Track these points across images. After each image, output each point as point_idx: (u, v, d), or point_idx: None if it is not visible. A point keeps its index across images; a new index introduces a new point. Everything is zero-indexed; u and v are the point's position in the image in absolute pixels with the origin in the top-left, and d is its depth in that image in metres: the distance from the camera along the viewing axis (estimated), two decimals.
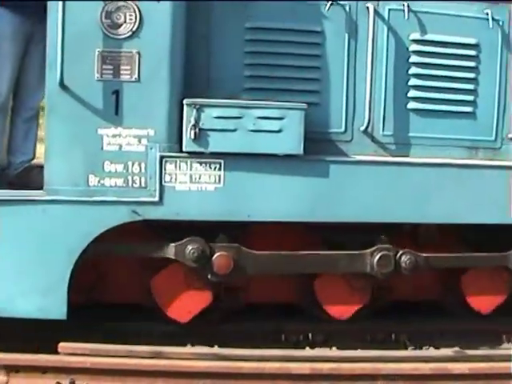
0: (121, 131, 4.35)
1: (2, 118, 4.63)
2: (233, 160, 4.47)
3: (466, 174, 4.85)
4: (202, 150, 4.40)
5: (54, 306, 4.36)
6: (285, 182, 4.55)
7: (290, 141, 4.48)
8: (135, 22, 4.31)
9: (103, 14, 4.27)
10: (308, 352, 4.91)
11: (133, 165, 4.39)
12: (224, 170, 4.48)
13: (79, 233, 4.34)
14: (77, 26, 4.23)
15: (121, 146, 4.36)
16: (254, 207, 4.54)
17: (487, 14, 4.98)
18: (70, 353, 4.48)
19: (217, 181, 4.49)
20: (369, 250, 4.81)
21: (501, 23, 5.06)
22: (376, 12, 4.87)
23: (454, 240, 5.21)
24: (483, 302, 5.20)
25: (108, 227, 4.37)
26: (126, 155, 4.37)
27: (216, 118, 4.39)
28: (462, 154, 5.05)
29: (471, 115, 5.09)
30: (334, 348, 5.00)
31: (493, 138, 5.13)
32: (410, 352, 5.03)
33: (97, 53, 4.28)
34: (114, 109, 4.33)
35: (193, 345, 4.83)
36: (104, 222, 4.37)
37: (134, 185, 4.40)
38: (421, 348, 5.14)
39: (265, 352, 4.68)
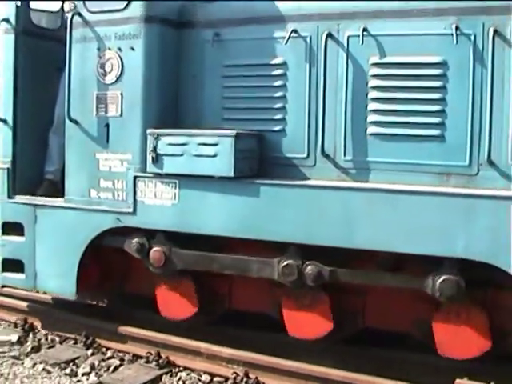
0: (110, 156, 5.36)
1: (57, 138, 5.95)
2: (185, 180, 5.05)
3: (401, 200, 4.44)
4: (159, 171, 5.11)
5: (67, 287, 5.60)
6: (221, 200, 4.91)
7: (223, 164, 4.83)
8: (121, 70, 5.29)
9: (98, 65, 5.37)
10: None
11: (118, 182, 5.34)
12: (179, 188, 5.11)
13: (84, 233, 5.49)
14: (81, 75, 5.43)
15: (110, 167, 5.37)
16: (199, 222, 5.03)
17: (455, 29, 4.47)
18: None
19: (173, 198, 5.12)
20: (276, 259, 4.86)
21: (472, 38, 4.46)
22: (335, 39, 4.85)
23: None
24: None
25: (102, 230, 5.41)
26: (113, 174, 5.35)
27: (169, 144, 5.05)
28: (431, 181, 4.57)
29: (440, 138, 4.56)
30: None
31: (466, 163, 4.51)
32: None
33: (95, 95, 5.40)
34: (106, 138, 5.37)
35: None
36: (99, 225, 5.43)
37: (118, 198, 5.34)
38: None
39: None
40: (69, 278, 5.56)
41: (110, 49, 5.29)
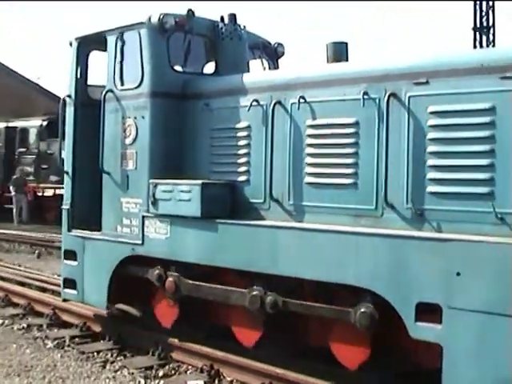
0: (129, 199, 6.69)
1: None
2: (173, 219, 6.22)
3: (309, 236, 5.23)
4: (156, 212, 6.34)
5: (101, 301, 6.98)
6: (193, 235, 6.00)
7: (193, 207, 5.94)
8: (136, 134, 6.65)
9: (122, 130, 6.77)
10: None
11: (133, 220, 6.65)
12: (170, 225, 6.29)
13: (111, 259, 6.85)
14: (111, 137, 6.87)
15: (129, 209, 6.70)
16: (181, 251, 6.15)
17: (363, 95, 5.22)
18: None
19: (166, 233, 6.31)
20: (246, 290, 5.72)
21: (377, 101, 5.17)
22: (282, 106, 5.78)
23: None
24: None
25: (123, 257, 6.75)
26: (131, 214, 6.67)
27: (162, 191, 6.27)
28: (348, 221, 5.30)
29: (353, 186, 5.29)
30: None
31: (373, 206, 5.18)
32: None
33: (120, 153, 6.80)
34: (126, 186, 6.72)
35: None
36: (122, 253, 6.77)
37: (133, 232, 6.64)
38: None
39: None
40: (102, 293, 6.94)
41: (129, 117, 6.67)
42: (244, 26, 7.15)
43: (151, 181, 6.39)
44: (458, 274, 4.37)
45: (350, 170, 5.31)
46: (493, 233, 4.51)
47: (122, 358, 6.58)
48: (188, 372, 6.11)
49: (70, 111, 7.43)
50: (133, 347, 6.78)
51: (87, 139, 7.35)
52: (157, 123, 6.51)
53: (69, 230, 7.39)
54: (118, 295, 6.97)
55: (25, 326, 7.81)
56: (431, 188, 4.87)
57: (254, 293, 5.68)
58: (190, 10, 6.76)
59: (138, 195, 6.59)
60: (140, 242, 6.55)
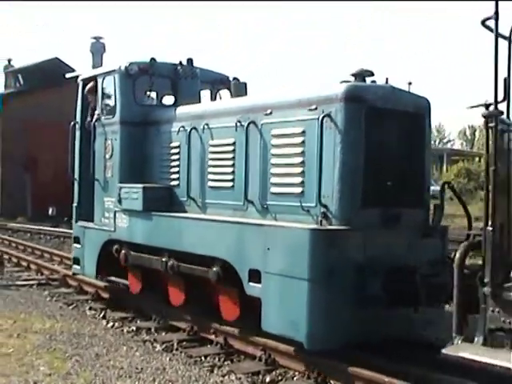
0: (108, 198, 8.80)
1: None
2: (130, 212, 8.27)
3: (197, 223, 7.08)
4: (121, 207, 8.41)
5: (91, 273, 9.16)
6: (139, 224, 8.02)
7: (139, 203, 7.95)
8: (112, 151, 8.76)
9: (104, 148, 8.90)
10: None
11: (110, 214, 8.75)
12: (129, 217, 8.34)
13: (98, 242, 9.01)
14: (99, 153, 9.02)
15: (108, 205, 8.81)
16: (134, 236, 8.18)
17: (237, 122, 7.00)
18: None
19: (127, 222, 8.37)
20: (160, 258, 7.68)
21: (245, 127, 6.92)
22: (197, 130, 7.66)
23: None
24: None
25: (105, 240, 8.89)
26: (109, 209, 8.78)
27: (124, 192, 8.33)
28: (230, 214, 7.09)
29: (232, 188, 7.08)
30: None
31: (242, 203, 6.93)
32: None
33: (103, 165, 8.94)
34: (107, 189, 8.86)
35: None
36: (103, 238, 8.90)
37: (110, 223, 8.75)
38: None
39: None
40: (93, 267, 9.13)
41: (108, 139, 8.80)
42: (198, 69, 9.05)
43: (118, 185, 8.47)
44: (268, 249, 6.06)
45: (230, 177, 7.10)
46: (303, 221, 6.15)
47: (229, 362, 6.51)
48: (295, 378, 5.99)
49: (77, 134, 9.69)
50: (240, 352, 6.74)
51: (89, 155, 9.57)
52: (124, 144, 8.59)
53: (76, 222, 9.66)
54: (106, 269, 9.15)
55: (134, 328, 7.84)
56: (272, 189, 6.56)
57: (163, 259, 7.67)
58: (152, 59, 8.77)
59: (113, 195, 8.69)
60: (113, 229, 8.65)
